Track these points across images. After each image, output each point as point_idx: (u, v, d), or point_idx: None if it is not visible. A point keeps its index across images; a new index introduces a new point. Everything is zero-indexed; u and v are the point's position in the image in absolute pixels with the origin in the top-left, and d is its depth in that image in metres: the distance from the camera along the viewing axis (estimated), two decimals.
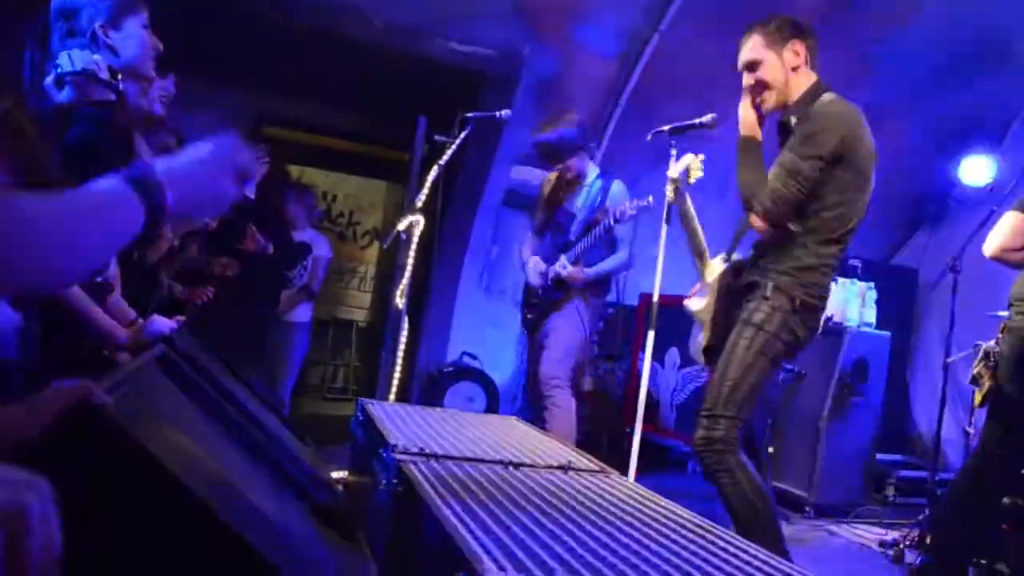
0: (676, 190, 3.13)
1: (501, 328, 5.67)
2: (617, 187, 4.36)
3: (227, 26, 4.96)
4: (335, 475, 3.29)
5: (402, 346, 3.86)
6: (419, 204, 3.94)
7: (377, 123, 6.93)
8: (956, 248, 4.67)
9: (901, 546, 4.16)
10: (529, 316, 4.57)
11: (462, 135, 4.09)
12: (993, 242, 3.38)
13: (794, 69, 2.92)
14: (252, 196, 4.68)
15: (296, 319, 5.52)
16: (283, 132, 6.96)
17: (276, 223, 4.85)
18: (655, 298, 3.47)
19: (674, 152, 3.31)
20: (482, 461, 2.05)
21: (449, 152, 4.05)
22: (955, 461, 5.60)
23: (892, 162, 6.52)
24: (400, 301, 3.89)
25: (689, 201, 3.16)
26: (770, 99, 2.96)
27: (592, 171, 4.48)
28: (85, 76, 2.12)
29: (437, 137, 4.36)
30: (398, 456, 1.92)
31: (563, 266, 4.28)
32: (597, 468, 2.22)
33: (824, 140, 2.75)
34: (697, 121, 3.31)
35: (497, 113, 4.25)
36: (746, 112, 3.01)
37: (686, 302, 3.31)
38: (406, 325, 3.89)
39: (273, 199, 5.04)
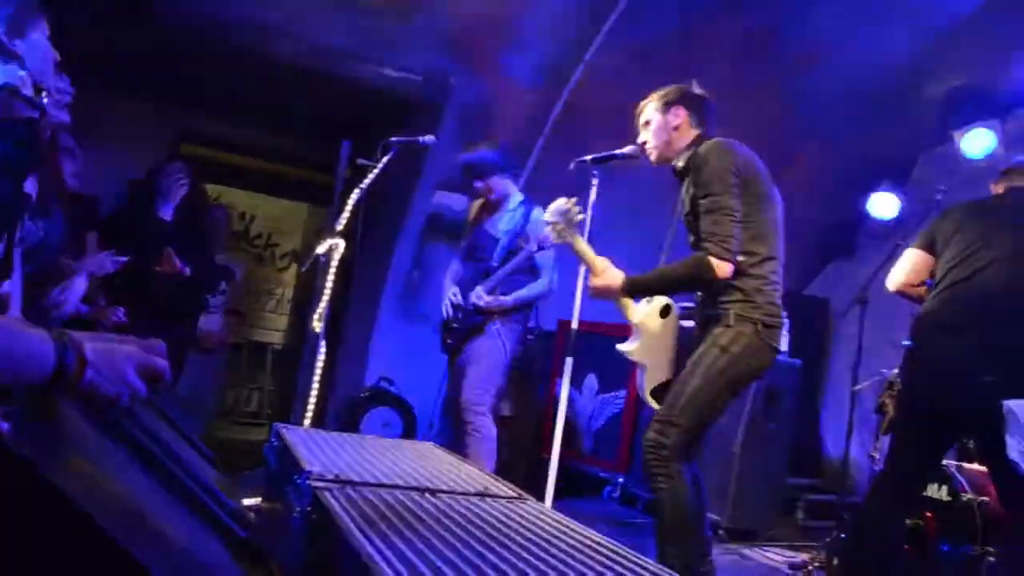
0: (559, 232, 3.21)
1: (420, 353, 5.63)
2: (538, 213, 4.39)
3: (149, 41, 4.87)
4: (247, 502, 3.21)
5: (319, 371, 3.80)
6: (340, 227, 3.91)
7: (301, 144, 6.87)
8: (864, 279, 4.84)
9: (809, 568, 4.27)
10: (449, 340, 4.55)
11: (385, 159, 4.08)
12: (896, 277, 3.52)
13: (675, 128, 3.27)
14: (170, 218, 4.59)
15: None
16: (203, 150, 6.83)
17: (196, 246, 4.74)
18: (574, 324, 3.51)
19: (595, 182, 3.37)
20: (398, 488, 2.02)
21: (371, 176, 4.03)
22: (861, 484, 5.77)
23: (806, 195, 6.77)
24: (318, 325, 3.84)
25: (581, 242, 3.23)
26: (653, 153, 3.32)
27: (516, 196, 4.52)
28: (7, 92, 2.04)
29: (360, 161, 4.34)
30: (313, 483, 1.88)
31: (479, 296, 4.29)
32: (514, 494, 2.21)
33: (723, 171, 3.02)
34: (619, 152, 3.39)
35: (421, 138, 4.26)
36: (602, 283, 3.18)
37: (619, 345, 3.35)
38: (323, 349, 3.83)
39: (193, 221, 4.93)
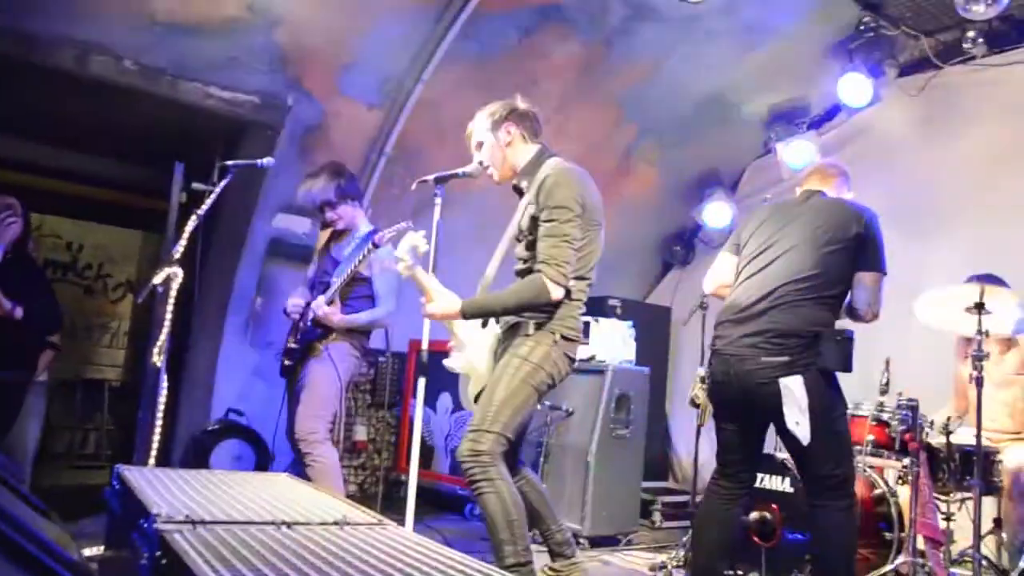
0: (407, 266, 3.25)
1: (268, 381, 5.46)
2: (387, 249, 4.35)
3: None
4: (88, 552, 3.02)
5: (161, 407, 3.61)
6: (177, 255, 3.73)
7: (131, 169, 6.54)
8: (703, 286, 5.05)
9: (668, 568, 4.40)
10: (287, 363, 4.43)
11: (222, 184, 3.94)
12: (709, 280, 3.75)
13: (508, 145, 3.38)
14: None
15: (37, 379, 5.07)
16: (19, 176, 6.40)
17: (29, 284, 4.43)
18: (424, 345, 3.49)
19: (438, 201, 3.38)
20: (253, 523, 1.95)
21: (208, 201, 3.88)
22: None
23: (644, 207, 7.04)
24: (158, 359, 3.65)
25: (421, 273, 3.28)
26: (495, 173, 3.42)
27: (364, 225, 4.46)
28: None
29: (196, 185, 4.17)
30: (161, 526, 1.79)
31: (319, 305, 4.20)
32: (374, 520, 2.18)
33: (571, 200, 3.16)
34: (460, 171, 3.41)
35: (258, 161, 4.15)
36: (440, 310, 3.23)
37: (445, 362, 3.37)
38: (165, 384, 3.65)
39: (22, 259, 4.58)
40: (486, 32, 5.44)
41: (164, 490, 2.29)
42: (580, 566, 3.40)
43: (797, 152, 6.26)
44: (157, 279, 3.70)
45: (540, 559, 3.38)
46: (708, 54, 5.92)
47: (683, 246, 7.47)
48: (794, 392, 3.09)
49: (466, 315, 3.20)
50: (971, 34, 5.23)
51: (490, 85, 5.41)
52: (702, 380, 4.28)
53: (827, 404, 3.16)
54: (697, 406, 4.34)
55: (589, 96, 6.08)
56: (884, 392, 4.07)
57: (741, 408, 3.38)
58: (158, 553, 1.71)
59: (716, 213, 6.85)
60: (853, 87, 5.76)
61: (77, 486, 6.92)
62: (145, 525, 1.84)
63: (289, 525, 1.97)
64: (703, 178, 7.04)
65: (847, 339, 3.17)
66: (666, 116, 6.42)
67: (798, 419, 3.08)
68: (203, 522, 1.88)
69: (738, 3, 5.46)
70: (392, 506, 5.21)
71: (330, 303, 4.18)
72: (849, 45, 5.72)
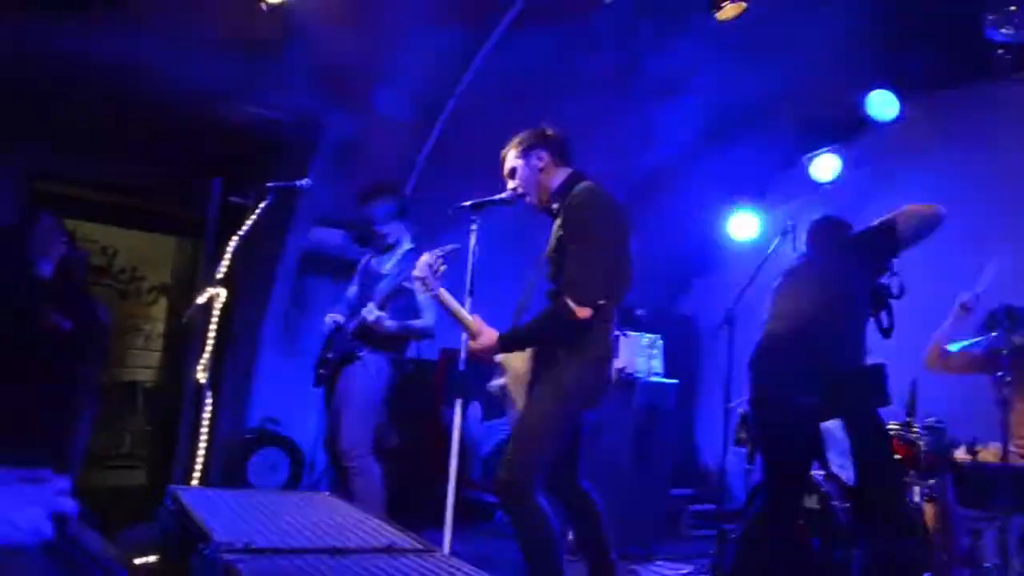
0: (426, 286, 3.27)
1: (302, 390, 5.57)
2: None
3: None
4: (139, 561, 3.10)
5: (206, 423, 3.74)
6: (220, 276, 3.84)
7: (169, 182, 6.69)
8: (729, 296, 5.11)
9: None
10: (323, 371, 4.51)
11: (263, 205, 4.05)
12: None
13: (542, 170, 3.40)
14: (50, 275, 4.45)
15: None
16: (59, 186, 6.55)
17: (74, 300, 4.60)
18: (462, 363, 3.56)
19: (474, 227, 3.44)
20: (307, 551, 2.06)
21: (249, 222, 3.99)
22: (738, 491, 6.07)
23: (670, 217, 7.08)
24: (203, 376, 3.77)
25: (444, 293, 3.30)
26: (531, 199, 3.45)
27: (407, 244, 4.56)
28: None
29: (232, 199, 4.28)
30: (224, 555, 1.90)
31: (370, 311, 4.28)
32: (421, 547, 2.28)
33: (596, 223, 3.18)
34: (497, 198, 3.46)
35: (297, 182, 4.25)
36: (480, 346, 3.24)
37: (491, 385, 3.41)
38: (210, 402, 3.77)
39: (71, 276, 4.75)
40: (517, 49, 5.51)
41: (219, 513, 2.41)
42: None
43: (825, 165, 6.25)
44: (201, 299, 3.83)
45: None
46: (736, 65, 5.95)
47: (708, 256, 7.51)
48: (835, 436, 3.14)
49: (505, 348, 3.24)
50: None
51: (520, 101, 5.49)
52: (744, 420, 4.38)
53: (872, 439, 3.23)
54: (744, 445, 4.44)
55: (618, 109, 6.15)
56: (911, 413, 4.12)
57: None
58: None
59: (742, 223, 6.84)
60: None
61: (113, 487, 7.09)
62: (208, 554, 1.95)
63: (342, 552, 2.08)
64: (729, 187, 7.02)
65: (882, 372, 3.22)
66: (693, 125, 6.45)
67: (841, 462, 3.14)
68: (262, 551, 1.99)
69: None
70: (424, 512, 5.30)
71: (381, 308, 4.28)
72: None
